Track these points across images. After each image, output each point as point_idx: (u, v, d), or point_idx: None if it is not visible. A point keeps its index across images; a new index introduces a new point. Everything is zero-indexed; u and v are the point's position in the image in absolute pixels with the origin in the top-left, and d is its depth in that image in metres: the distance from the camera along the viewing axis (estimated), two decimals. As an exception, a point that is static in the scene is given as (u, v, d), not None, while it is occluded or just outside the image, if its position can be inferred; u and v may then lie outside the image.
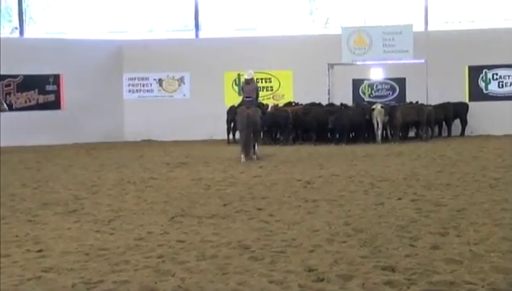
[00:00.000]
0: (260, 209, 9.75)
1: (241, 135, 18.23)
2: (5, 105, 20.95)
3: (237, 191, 11.65)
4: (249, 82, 18.16)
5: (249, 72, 18.38)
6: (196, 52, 26.34)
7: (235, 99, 25.12)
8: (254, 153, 17.78)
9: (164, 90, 26.88)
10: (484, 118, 24.77)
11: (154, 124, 26.11)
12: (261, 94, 24.34)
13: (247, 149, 17.46)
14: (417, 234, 7.73)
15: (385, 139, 22.75)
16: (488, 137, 23.71)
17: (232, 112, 23.26)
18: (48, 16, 27.25)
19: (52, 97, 25.59)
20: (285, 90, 26.30)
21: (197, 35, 27.33)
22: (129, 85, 26.83)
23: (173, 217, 9.23)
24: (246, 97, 17.99)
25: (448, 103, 24.40)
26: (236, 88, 26.30)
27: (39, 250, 7.35)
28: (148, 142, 25.27)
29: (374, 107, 22.65)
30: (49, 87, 25.56)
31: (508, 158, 16.45)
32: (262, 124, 19.29)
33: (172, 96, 26.85)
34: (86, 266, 6.61)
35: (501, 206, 9.48)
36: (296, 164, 16.11)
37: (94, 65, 26.05)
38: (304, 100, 24.28)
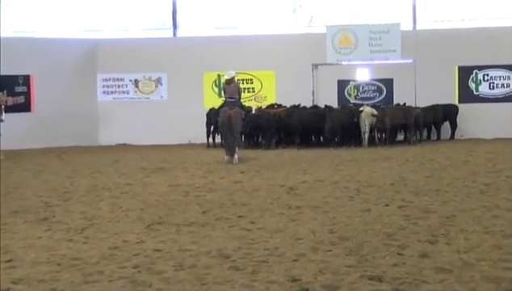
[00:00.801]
0: (241, 217, 9.76)
1: (223, 137, 18.59)
2: (3, 116, 20.72)
3: (216, 198, 11.65)
4: (230, 82, 18.38)
5: (229, 72, 18.58)
6: (174, 52, 26.30)
7: (215, 100, 25.16)
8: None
9: (140, 91, 26.80)
10: (475, 121, 24.89)
11: (130, 127, 26.02)
12: (242, 95, 24.38)
13: (231, 151, 17.87)
14: (405, 242, 7.76)
15: (372, 143, 22.79)
16: (478, 140, 23.84)
17: (211, 115, 23.29)
18: (16, 14, 27.07)
19: (21, 99, 25.43)
20: (267, 91, 26.31)
21: (175, 34, 27.29)
22: (104, 86, 26.72)
23: (149, 225, 9.21)
24: (229, 98, 18.27)
25: (437, 105, 24.52)
26: (216, 89, 26.31)
27: (9, 261, 7.30)
28: (124, 146, 25.18)
29: (362, 109, 22.72)
30: (19, 89, 25.41)
31: (499, 162, 16.56)
32: (245, 127, 19.33)
33: (149, 98, 26.77)
34: (57, 277, 6.58)
35: (492, 213, 9.54)
36: (279, 169, 16.11)
37: (67, 65, 25.91)
38: (287, 102, 24.28)
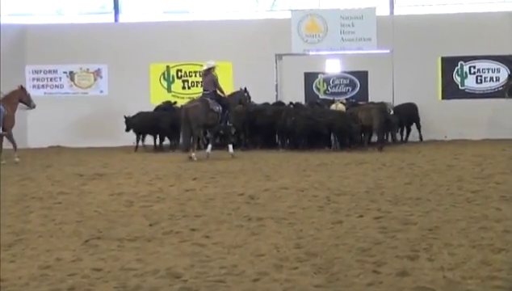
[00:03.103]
0: (194, 230, 9.74)
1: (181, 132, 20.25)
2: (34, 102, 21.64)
3: (165, 209, 11.62)
4: (206, 73, 20.20)
5: (208, 62, 20.34)
6: (116, 40, 26.20)
7: (163, 96, 25.16)
8: (193, 151, 19.70)
9: (76, 85, 26.66)
10: (460, 119, 25.13)
11: (65, 126, 25.86)
12: (194, 90, 24.55)
13: (186, 146, 19.70)
14: (381, 259, 7.81)
15: (344, 145, 22.89)
16: (464, 141, 24.09)
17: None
18: None
19: None
20: (224, 85, 26.25)
21: (116, 19, 27.19)
22: (33, 79, 26.52)
23: (87, 241, 9.15)
24: (204, 90, 20.27)
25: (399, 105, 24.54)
26: (164, 83, 26.27)
27: None
28: (58, 149, 25.00)
29: (333, 105, 22.83)
30: None
31: (488, 167, 16.75)
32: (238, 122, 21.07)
33: (86, 93, 26.65)
34: (-21, 301, 6.52)
35: (480, 224, 9.64)
36: (238, 175, 16.12)
37: (-10, 54, 25.70)
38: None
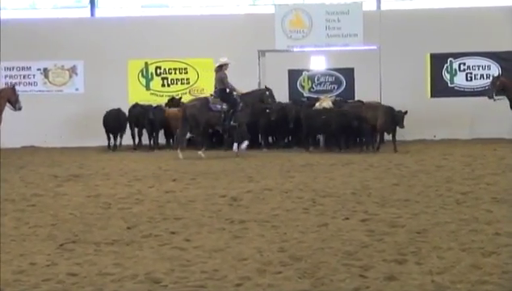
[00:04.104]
0: (174, 233, 9.74)
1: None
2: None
3: (144, 211, 11.61)
4: (217, 70, 20.73)
5: (220, 59, 20.85)
6: (92, 36, 26.12)
7: (141, 94, 25.13)
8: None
9: (51, 82, 26.58)
10: (450, 118, 25.22)
11: (39, 126, 25.75)
12: (174, 88, 24.64)
13: (179, 143, 20.86)
14: (368, 262, 7.84)
15: (331, 144, 22.92)
16: (454, 141, 24.19)
17: (136, 111, 23.27)
18: None
19: None
20: (205, 82, 26.24)
21: (93, 14, 27.12)
22: (5, 76, 26.43)
23: (62, 244, 9.14)
24: (214, 88, 20.93)
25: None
26: (143, 80, 26.21)
27: None
28: (31, 149, 24.93)
29: (319, 103, 22.85)
30: None
31: (478, 167, 16.83)
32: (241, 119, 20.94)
33: (61, 91, 26.57)
34: (-50, 308, 6.50)
35: (470, 227, 9.69)
36: (219, 176, 16.13)
37: (-41, 50, 25.58)
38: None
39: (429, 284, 6.94)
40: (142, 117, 23.49)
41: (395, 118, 21.03)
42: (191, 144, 22.07)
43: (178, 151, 20.38)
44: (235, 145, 20.87)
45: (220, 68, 20.73)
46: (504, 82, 23.65)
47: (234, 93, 20.83)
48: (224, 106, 20.61)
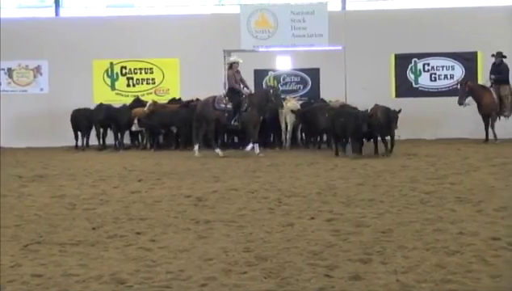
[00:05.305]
0: (139, 233, 9.71)
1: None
2: None
3: (109, 211, 11.56)
4: (228, 69, 21.00)
5: (230, 58, 21.24)
6: (57, 35, 25.98)
7: (106, 94, 25.00)
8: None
9: (15, 82, 26.40)
10: (414, 118, 25.26)
11: (2, 126, 25.56)
12: (139, 88, 24.59)
13: (195, 141, 20.71)
14: (333, 262, 7.86)
15: (295, 144, 22.96)
16: (418, 141, 24.29)
17: (102, 111, 23.18)
18: None
19: None
20: (170, 83, 26.26)
21: (57, 14, 26.96)
22: (-32, 76, 26.23)
23: (27, 245, 9.08)
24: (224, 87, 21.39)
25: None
26: (108, 80, 26.11)
27: None
28: (-5, 150, 24.76)
29: (285, 103, 22.85)
30: None
31: (442, 167, 16.91)
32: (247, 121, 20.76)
33: (26, 91, 26.39)
34: None
35: (435, 226, 9.74)
36: (185, 176, 16.10)
37: None
38: (193, 96, 24.23)
39: (394, 284, 6.97)
40: (107, 117, 23.39)
41: (391, 118, 20.92)
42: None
43: (196, 149, 20.55)
44: (249, 145, 20.86)
45: (230, 67, 20.89)
46: (471, 86, 23.83)
47: (242, 93, 20.80)
48: (229, 105, 20.66)
